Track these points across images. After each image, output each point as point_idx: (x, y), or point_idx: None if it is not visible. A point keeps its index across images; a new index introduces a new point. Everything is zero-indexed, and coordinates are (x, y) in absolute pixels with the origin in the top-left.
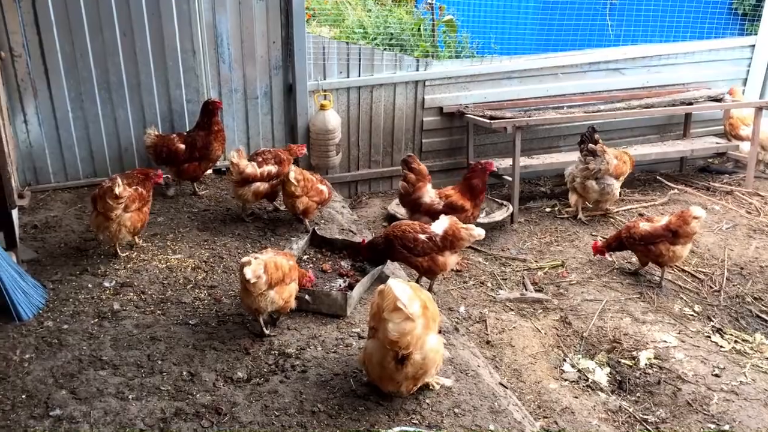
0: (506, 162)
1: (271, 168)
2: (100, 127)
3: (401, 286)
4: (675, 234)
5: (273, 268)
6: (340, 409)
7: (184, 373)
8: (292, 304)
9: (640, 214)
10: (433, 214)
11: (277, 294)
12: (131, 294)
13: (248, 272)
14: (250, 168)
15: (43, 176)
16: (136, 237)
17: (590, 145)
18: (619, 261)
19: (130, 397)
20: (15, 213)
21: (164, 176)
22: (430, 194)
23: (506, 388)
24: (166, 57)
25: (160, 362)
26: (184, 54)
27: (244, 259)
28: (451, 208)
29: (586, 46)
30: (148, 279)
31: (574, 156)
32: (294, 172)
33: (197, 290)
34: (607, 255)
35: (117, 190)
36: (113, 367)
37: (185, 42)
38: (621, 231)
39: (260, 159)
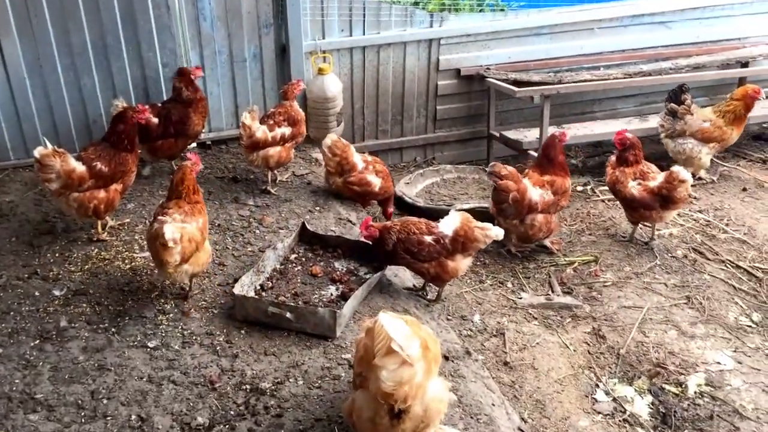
0: (532, 134)
1: (285, 130)
2: (63, 95)
3: (395, 322)
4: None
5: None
6: None
7: (133, 416)
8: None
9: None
10: (546, 209)
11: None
12: (84, 305)
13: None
14: (260, 132)
15: (0, 152)
16: (99, 222)
17: (671, 104)
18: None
19: None
20: None
21: (145, 115)
22: (535, 190)
23: None
24: (135, 14)
25: (105, 401)
26: (156, 10)
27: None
28: (560, 194)
29: None
30: (106, 285)
31: (612, 125)
32: (330, 140)
33: (162, 300)
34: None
35: (36, 153)
36: (48, 408)
37: None
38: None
39: (271, 121)
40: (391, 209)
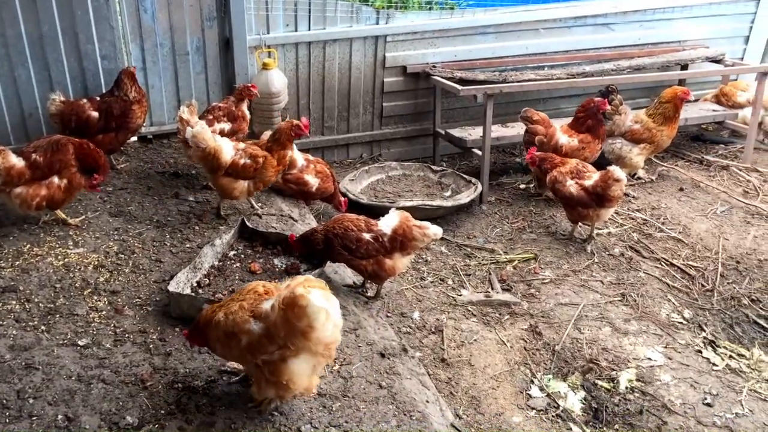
0: (476, 132)
1: (224, 126)
2: None
3: (321, 295)
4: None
5: None
6: None
7: (60, 416)
8: None
9: (626, 194)
10: (570, 154)
11: None
12: (13, 302)
13: None
14: (198, 127)
15: None
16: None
17: None
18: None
19: None
20: None
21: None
22: (563, 135)
23: (459, 430)
24: (72, 4)
25: (31, 401)
26: (95, 1)
27: None
28: (584, 143)
29: None
30: (38, 281)
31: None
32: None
33: (95, 297)
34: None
35: None
36: None
37: None
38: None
39: (210, 117)
40: (340, 199)
